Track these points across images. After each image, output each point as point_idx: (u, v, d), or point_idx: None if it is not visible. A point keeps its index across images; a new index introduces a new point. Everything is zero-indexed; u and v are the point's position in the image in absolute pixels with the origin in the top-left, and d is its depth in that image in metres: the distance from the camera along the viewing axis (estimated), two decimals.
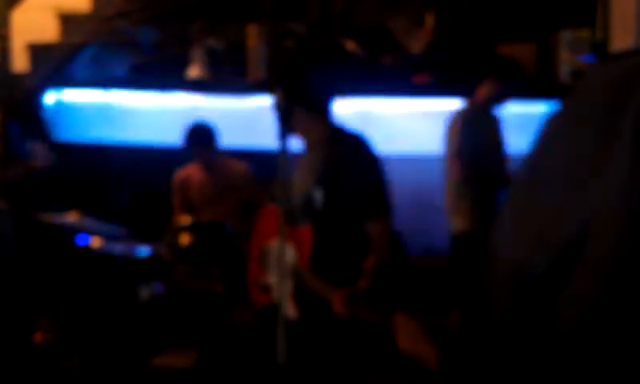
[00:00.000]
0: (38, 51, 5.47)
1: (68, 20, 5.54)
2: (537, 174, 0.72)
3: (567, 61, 5.13)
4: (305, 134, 2.90)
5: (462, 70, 4.83)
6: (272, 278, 2.90)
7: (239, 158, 4.89)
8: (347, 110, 4.82)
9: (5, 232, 4.04)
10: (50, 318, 4.02)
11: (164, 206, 4.83)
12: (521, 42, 5.16)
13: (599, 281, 0.63)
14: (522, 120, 4.50)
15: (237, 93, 5.38)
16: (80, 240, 4.20)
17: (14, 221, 4.12)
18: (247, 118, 5.33)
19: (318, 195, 2.81)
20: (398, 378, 3.12)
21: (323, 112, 2.91)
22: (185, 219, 4.38)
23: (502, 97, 4.40)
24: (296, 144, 2.92)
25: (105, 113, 5.55)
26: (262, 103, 4.90)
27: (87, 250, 4.19)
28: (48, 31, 5.54)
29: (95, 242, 4.21)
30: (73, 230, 4.21)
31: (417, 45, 5.26)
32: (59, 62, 5.42)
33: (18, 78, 5.40)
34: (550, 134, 0.72)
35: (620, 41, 4.52)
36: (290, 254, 2.79)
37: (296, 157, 2.95)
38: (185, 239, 4.23)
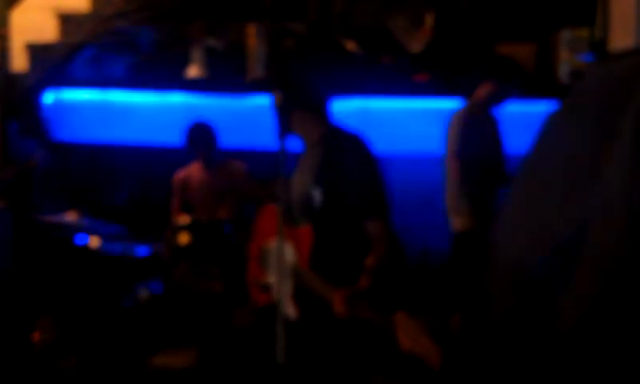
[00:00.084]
0: (36, 51, 5.47)
1: (67, 20, 5.54)
2: (537, 173, 0.72)
3: (567, 60, 5.13)
4: (304, 133, 2.90)
5: (461, 69, 4.83)
6: (271, 278, 2.90)
7: (238, 157, 4.90)
8: (346, 109, 4.83)
9: (4, 232, 4.04)
10: (49, 317, 4.02)
11: (163, 205, 4.84)
12: (520, 42, 5.16)
13: (599, 280, 0.63)
14: (521, 120, 4.50)
15: (236, 93, 5.38)
16: (79, 239, 4.20)
17: (13, 220, 4.12)
18: (246, 118, 5.33)
19: (317, 195, 2.81)
20: (397, 376, 3.12)
21: (322, 112, 2.91)
22: (184, 218, 4.38)
23: (501, 96, 4.41)
24: (295, 144, 2.92)
25: (103, 112, 5.54)
26: (261, 103, 4.90)
27: (86, 249, 4.19)
28: (47, 31, 5.53)
29: (94, 241, 4.21)
30: (71, 230, 4.21)
31: (416, 45, 5.26)
32: (58, 62, 5.42)
33: (16, 78, 5.39)
34: (550, 134, 0.72)
35: (619, 40, 4.52)
36: (290, 253, 2.79)
37: (295, 156, 2.96)
38: (184, 238, 4.23)
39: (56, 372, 3.89)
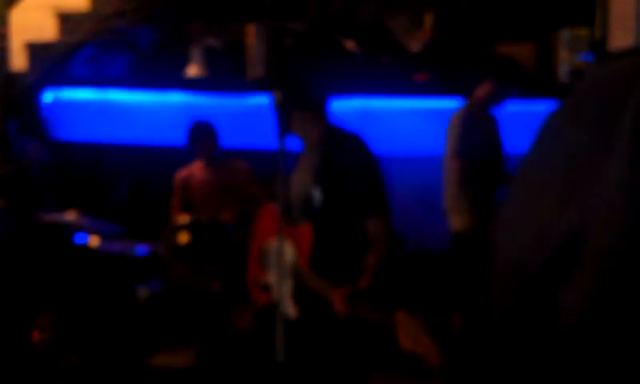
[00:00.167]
0: (36, 50, 5.47)
1: (66, 19, 5.54)
2: (536, 173, 0.72)
3: (566, 60, 5.13)
4: (303, 133, 2.90)
5: (461, 69, 4.84)
6: (272, 278, 2.90)
7: (237, 157, 4.89)
8: (346, 109, 4.83)
9: (4, 231, 4.04)
10: (49, 316, 4.02)
11: (163, 204, 4.83)
12: (520, 42, 5.16)
13: (599, 280, 0.63)
14: (521, 119, 4.50)
15: (235, 92, 5.37)
16: (78, 239, 4.20)
17: (13, 220, 4.12)
18: (246, 118, 5.33)
19: (317, 194, 2.81)
20: (397, 374, 3.12)
21: (321, 111, 2.91)
22: (183, 218, 4.37)
23: (501, 96, 4.41)
24: (295, 143, 2.92)
25: (103, 112, 5.54)
26: (261, 102, 4.90)
27: (85, 248, 4.19)
28: (46, 30, 5.53)
29: (93, 240, 4.21)
30: (71, 229, 4.21)
31: (416, 44, 5.26)
32: (57, 61, 5.42)
33: (16, 77, 5.39)
34: (550, 134, 0.72)
35: (619, 40, 4.52)
36: (290, 253, 2.79)
37: (295, 156, 2.96)
38: (183, 238, 4.22)
39: (55, 371, 3.89)
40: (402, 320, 1.65)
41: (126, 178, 5.39)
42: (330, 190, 2.80)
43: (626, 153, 0.63)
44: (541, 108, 5.00)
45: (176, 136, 4.85)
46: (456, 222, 4.34)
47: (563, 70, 5.14)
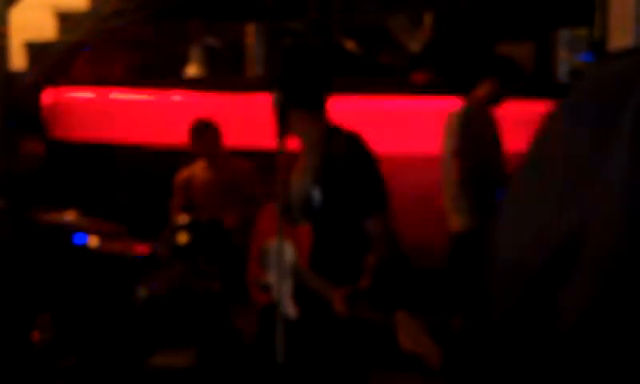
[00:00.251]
0: (35, 49, 5.47)
1: (66, 18, 5.54)
2: (536, 173, 0.72)
3: (566, 60, 5.13)
4: (303, 133, 2.90)
5: (460, 69, 4.83)
6: (271, 278, 2.89)
7: (237, 157, 4.88)
8: (345, 108, 4.82)
9: (3, 231, 4.04)
10: (48, 316, 4.02)
11: (162, 204, 4.83)
12: (519, 41, 5.16)
13: (599, 280, 0.63)
14: (520, 119, 4.50)
15: (235, 91, 5.37)
16: (78, 239, 4.20)
17: (13, 220, 4.12)
18: (245, 117, 5.32)
19: (316, 194, 2.81)
20: (397, 375, 3.12)
21: (320, 111, 2.91)
22: (183, 218, 4.37)
23: (500, 96, 4.41)
24: (295, 143, 2.92)
25: (102, 111, 5.54)
26: (260, 102, 4.89)
27: (85, 248, 4.19)
28: (46, 29, 5.53)
29: (93, 240, 4.21)
30: (70, 229, 4.21)
31: (415, 44, 5.26)
32: (57, 61, 5.42)
33: (15, 77, 5.39)
34: (549, 134, 0.72)
35: (618, 40, 4.52)
36: (290, 253, 2.79)
37: (295, 156, 2.95)
38: (183, 238, 4.22)
39: (55, 371, 3.89)
40: (402, 320, 1.66)
41: (125, 177, 5.38)
42: (329, 189, 2.80)
43: (626, 153, 0.63)
44: (540, 108, 4.99)
45: (175, 135, 4.84)
46: (456, 222, 4.34)
47: (562, 70, 5.14)
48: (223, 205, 4.65)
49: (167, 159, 4.96)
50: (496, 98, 4.40)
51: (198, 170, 4.79)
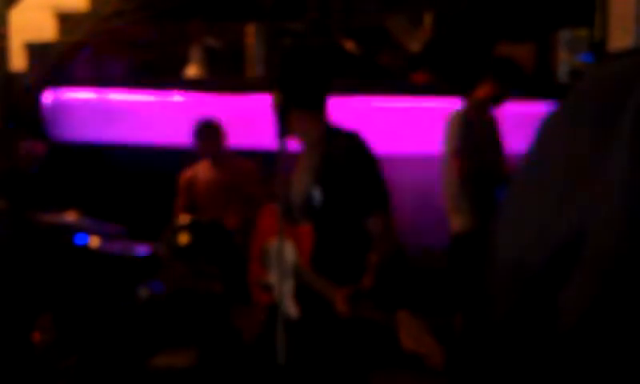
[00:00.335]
0: (35, 50, 5.47)
1: (66, 19, 5.54)
2: (536, 173, 0.72)
3: (566, 60, 5.13)
4: (303, 133, 2.90)
5: (460, 69, 4.84)
6: (273, 278, 2.90)
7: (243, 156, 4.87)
8: (345, 109, 4.82)
9: (4, 232, 4.04)
10: (49, 317, 4.02)
11: (163, 204, 4.83)
12: (519, 42, 5.16)
13: (599, 280, 0.63)
14: (520, 119, 4.50)
15: (235, 91, 5.37)
16: (78, 239, 4.20)
17: (13, 220, 4.12)
18: (245, 117, 5.32)
19: (317, 194, 2.81)
20: (399, 374, 3.12)
21: (320, 111, 2.91)
22: (184, 218, 4.37)
23: (500, 96, 4.41)
24: (294, 143, 2.92)
25: (103, 112, 5.54)
26: (260, 102, 4.90)
27: (86, 249, 4.19)
28: (46, 30, 5.53)
29: (94, 241, 4.21)
30: (71, 230, 4.21)
31: (415, 44, 5.26)
32: (57, 61, 5.42)
33: (15, 77, 5.39)
34: (549, 134, 0.72)
35: (618, 40, 4.52)
36: (291, 253, 2.79)
37: (295, 156, 2.96)
38: (183, 238, 4.22)
39: (56, 372, 3.89)
40: (404, 320, 1.66)
41: (126, 177, 5.38)
42: (330, 189, 2.80)
43: (626, 153, 0.63)
44: (540, 108, 5.00)
45: (176, 136, 4.84)
46: (456, 222, 4.34)
47: (563, 71, 5.14)
48: (226, 205, 4.64)
49: (167, 160, 4.96)
50: (496, 99, 4.40)
51: (201, 170, 4.79)
